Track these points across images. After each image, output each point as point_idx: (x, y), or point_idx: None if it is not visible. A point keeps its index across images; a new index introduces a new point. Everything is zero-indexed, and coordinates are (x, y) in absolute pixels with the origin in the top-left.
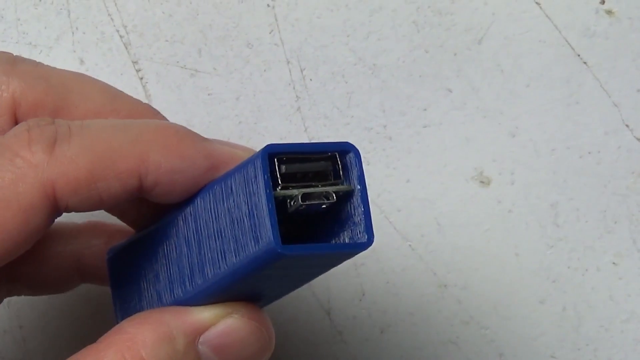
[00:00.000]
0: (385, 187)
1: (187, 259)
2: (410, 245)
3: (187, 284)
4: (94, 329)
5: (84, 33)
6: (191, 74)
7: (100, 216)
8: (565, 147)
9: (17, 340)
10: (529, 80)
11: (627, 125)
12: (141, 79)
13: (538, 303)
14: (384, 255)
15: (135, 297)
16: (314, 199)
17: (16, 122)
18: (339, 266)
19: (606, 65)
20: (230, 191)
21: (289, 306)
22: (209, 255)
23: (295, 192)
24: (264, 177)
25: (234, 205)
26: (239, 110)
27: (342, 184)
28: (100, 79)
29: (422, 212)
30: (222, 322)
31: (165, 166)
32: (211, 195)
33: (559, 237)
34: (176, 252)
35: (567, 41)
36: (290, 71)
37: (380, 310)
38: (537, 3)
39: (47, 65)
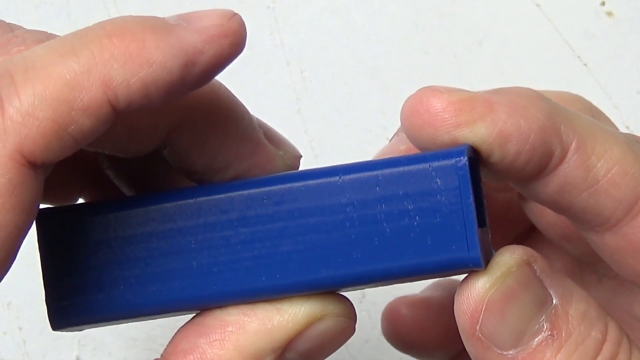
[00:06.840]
0: None
1: (277, 248)
2: None
3: (271, 278)
4: (93, 330)
5: None
6: None
7: None
8: None
9: (17, 342)
10: (529, 82)
11: (627, 127)
12: None
13: None
14: None
15: (104, 282)
16: None
17: None
18: None
19: (606, 66)
20: (389, 182)
21: None
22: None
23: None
24: (467, 182)
25: (399, 201)
26: None
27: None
28: None
29: None
30: (314, 329)
31: (134, 83)
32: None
33: None
34: (248, 237)
35: (567, 43)
36: (290, 73)
37: (381, 311)
38: (537, 5)
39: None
